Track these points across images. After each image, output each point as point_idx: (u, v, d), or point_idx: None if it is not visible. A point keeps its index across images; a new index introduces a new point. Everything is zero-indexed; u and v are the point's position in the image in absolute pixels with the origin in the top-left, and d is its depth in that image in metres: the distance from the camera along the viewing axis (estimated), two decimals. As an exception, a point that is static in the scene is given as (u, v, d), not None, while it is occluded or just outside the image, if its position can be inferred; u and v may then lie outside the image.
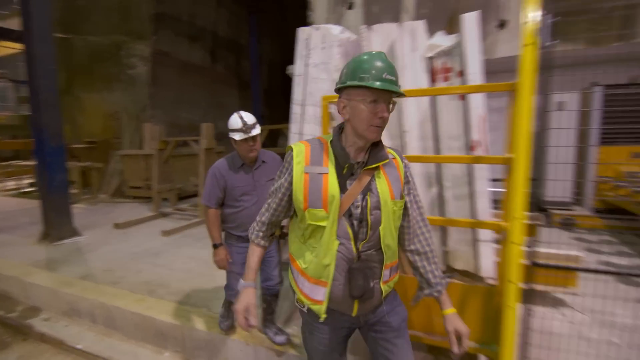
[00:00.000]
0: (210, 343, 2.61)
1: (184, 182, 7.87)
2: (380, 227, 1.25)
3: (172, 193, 7.18)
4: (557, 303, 3.00)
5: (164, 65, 9.45)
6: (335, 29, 2.42)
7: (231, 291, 2.47)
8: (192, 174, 8.02)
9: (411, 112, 2.34)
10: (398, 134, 2.36)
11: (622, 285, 3.26)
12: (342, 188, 1.23)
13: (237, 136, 2.16)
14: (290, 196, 1.32)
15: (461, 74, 2.19)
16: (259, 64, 12.15)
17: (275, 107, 13.46)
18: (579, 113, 5.04)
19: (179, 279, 3.64)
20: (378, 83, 1.11)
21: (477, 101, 2.16)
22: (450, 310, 1.34)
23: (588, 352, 2.29)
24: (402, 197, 1.31)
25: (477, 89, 1.87)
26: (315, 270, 1.27)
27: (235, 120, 2.18)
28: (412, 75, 2.33)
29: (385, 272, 1.32)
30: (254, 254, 1.44)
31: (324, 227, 1.23)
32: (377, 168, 1.26)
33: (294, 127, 2.81)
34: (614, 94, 4.84)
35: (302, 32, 2.50)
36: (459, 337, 1.30)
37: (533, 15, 1.46)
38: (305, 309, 1.36)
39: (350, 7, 6.53)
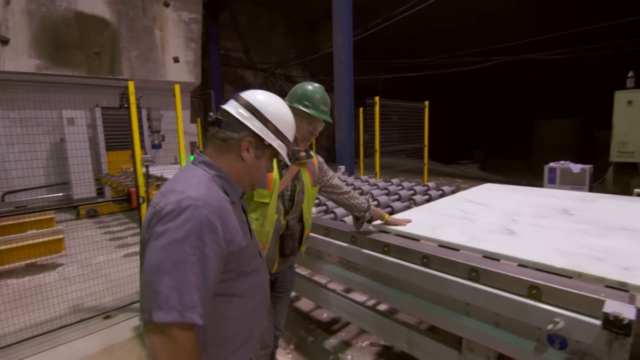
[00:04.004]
0: None
1: None
2: (303, 205, 1.76)
3: None
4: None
5: None
6: None
7: None
8: None
9: None
10: None
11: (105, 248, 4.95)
12: (280, 175, 1.66)
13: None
14: None
15: None
16: None
17: None
18: (88, 127, 6.54)
19: None
20: (327, 117, 1.70)
21: None
22: (387, 216, 2.01)
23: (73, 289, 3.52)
24: (316, 185, 1.84)
25: None
26: (258, 235, 1.55)
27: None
28: None
29: (304, 239, 1.84)
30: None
31: (267, 204, 1.60)
32: (303, 164, 1.75)
33: None
34: (108, 113, 6.76)
35: None
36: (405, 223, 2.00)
37: None
38: None
39: None
